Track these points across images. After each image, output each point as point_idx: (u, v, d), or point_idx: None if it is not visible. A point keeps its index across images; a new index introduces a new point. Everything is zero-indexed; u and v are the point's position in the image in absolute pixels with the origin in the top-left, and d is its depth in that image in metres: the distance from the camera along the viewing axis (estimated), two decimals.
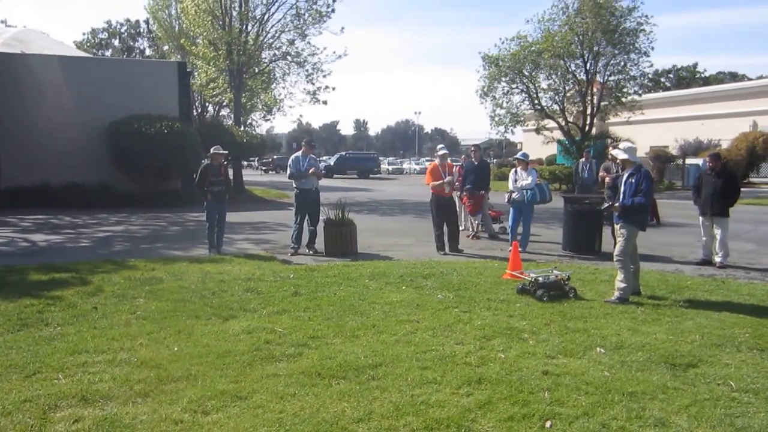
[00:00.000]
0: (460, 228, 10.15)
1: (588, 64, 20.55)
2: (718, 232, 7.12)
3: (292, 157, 8.34)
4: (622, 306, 5.06)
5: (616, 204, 5.41)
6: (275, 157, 40.13)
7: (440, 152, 8.27)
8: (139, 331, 4.28)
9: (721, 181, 7.09)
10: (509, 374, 3.47)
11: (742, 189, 7.71)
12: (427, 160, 53.40)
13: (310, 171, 7.97)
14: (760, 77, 39.07)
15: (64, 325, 4.41)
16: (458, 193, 9.61)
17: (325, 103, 21.38)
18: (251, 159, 35.89)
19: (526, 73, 21.19)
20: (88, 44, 37.77)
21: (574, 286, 5.46)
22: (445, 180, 7.90)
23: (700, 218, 7.40)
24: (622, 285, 5.23)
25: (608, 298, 5.25)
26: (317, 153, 11.67)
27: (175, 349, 3.90)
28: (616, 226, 5.54)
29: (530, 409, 3.00)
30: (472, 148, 10.29)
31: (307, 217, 8.05)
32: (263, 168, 41.80)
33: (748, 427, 2.85)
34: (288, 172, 8.28)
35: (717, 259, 7.14)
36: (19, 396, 3.12)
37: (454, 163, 10.76)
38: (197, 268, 6.58)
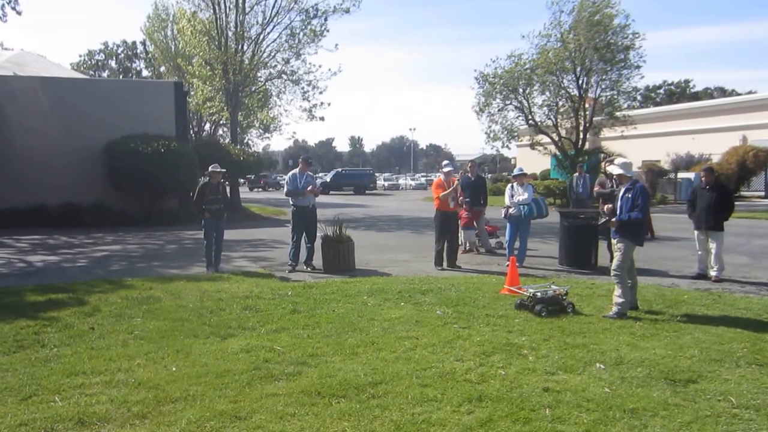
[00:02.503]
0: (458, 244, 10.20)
1: (580, 80, 20.95)
2: (713, 246, 7.18)
3: (289, 174, 8.39)
4: (620, 321, 5.07)
5: (613, 219, 5.46)
6: (262, 174, 39.72)
7: (445, 169, 8.37)
8: (136, 351, 4.24)
9: (716, 195, 7.18)
10: (510, 391, 3.46)
11: (735, 203, 7.81)
12: (423, 176, 53.79)
13: (308, 189, 8.01)
14: (750, 92, 39.89)
15: (60, 346, 4.37)
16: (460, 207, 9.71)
17: (322, 119, 21.64)
18: (248, 176, 35.84)
19: (520, 90, 21.56)
20: (85, 66, 38.10)
21: (572, 301, 5.48)
22: (449, 189, 7.98)
23: (695, 232, 7.47)
24: (620, 300, 5.25)
25: (606, 313, 5.27)
26: (313, 170, 11.78)
27: (174, 369, 3.87)
28: (613, 241, 5.59)
29: (532, 427, 2.98)
30: (469, 164, 10.41)
31: (304, 234, 8.06)
32: (249, 186, 41.38)
33: None
34: (285, 189, 8.33)
35: (712, 273, 7.19)
36: (14, 420, 3.08)
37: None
38: (195, 287, 6.55)
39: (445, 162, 8.90)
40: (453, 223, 8.32)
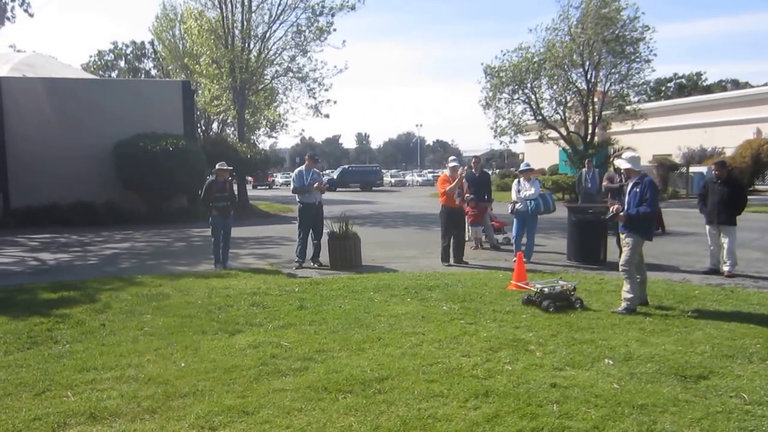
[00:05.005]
0: (465, 240, 10.17)
1: (589, 74, 20.70)
2: (725, 240, 7.06)
3: (296, 171, 8.42)
4: (629, 316, 5.02)
5: (621, 213, 5.40)
6: (267, 172, 39.74)
7: (451, 164, 8.34)
8: (146, 347, 4.30)
9: (728, 189, 7.05)
10: (517, 387, 3.45)
11: (748, 197, 7.68)
12: (430, 172, 53.64)
13: (314, 186, 8.03)
14: (765, 84, 39.06)
15: (73, 342, 4.44)
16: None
17: (327, 116, 21.61)
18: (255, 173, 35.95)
19: (528, 84, 21.36)
20: (95, 66, 38.47)
21: (580, 297, 5.43)
22: (454, 183, 7.95)
23: (707, 227, 7.36)
24: (629, 295, 5.19)
25: (615, 309, 5.22)
26: (320, 167, 11.72)
27: (182, 364, 3.91)
28: (622, 236, 5.53)
29: (539, 423, 2.97)
30: (473, 160, 10.35)
31: (311, 230, 8.09)
32: (253, 183, 41.55)
33: None
34: (292, 186, 8.37)
35: (725, 268, 7.07)
36: (28, 414, 3.14)
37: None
38: (203, 284, 6.62)
39: (452, 157, 8.87)
40: (459, 219, 8.27)
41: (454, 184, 7.94)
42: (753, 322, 4.79)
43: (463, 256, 8.15)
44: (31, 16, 14.74)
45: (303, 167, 8.25)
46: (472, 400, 3.25)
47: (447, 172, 8.33)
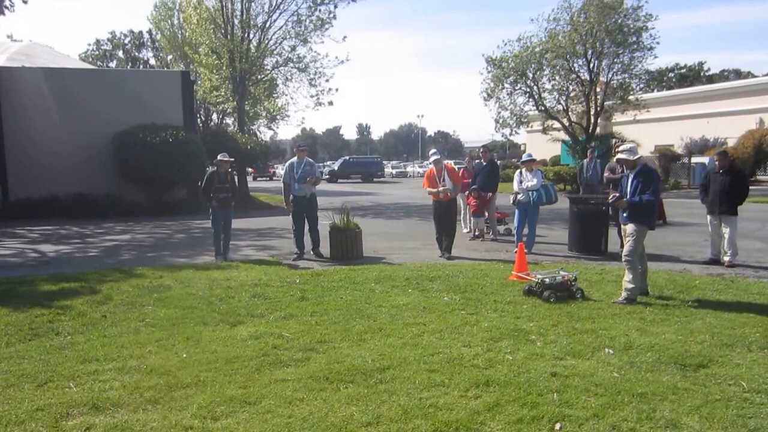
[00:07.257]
0: (465, 230, 10.15)
1: (591, 64, 20.52)
2: (726, 230, 7.05)
3: (287, 163, 8.33)
4: (630, 306, 5.03)
5: (624, 200, 5.36)
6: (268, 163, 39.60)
7: (432, 158, 8.11)
8: (148, 338, 4.31)
9: (730, 179, 7.03)
10: (517, 376, 3.46)
11: (749, 187, 7.65)
12: (430, 164, 53.41)
13: (308, 180, 7.94)
14: (767, 74, 38.71)
15: (74, 334, 4.46)
16: (463, 194, 9.65)
17: (330, 104, 21.37)
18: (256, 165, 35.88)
19: (530, 75, 21.19)
20: (93, 56, 38.19)
21: (581, 287, 5.44)
22: (439, 189, 7.84)
23: (708, 217, 7.35)
24: (630, 285, 5.20)
25: (616, 299, 5.23)
26: (320, 158, 11.44)
27: (184, 355, 3.93)
28: (625, 227, 5.51)
29: (539, 411, 2.98)
30: (482, 149, 10.27)
31: (306, 222, 8.06)
32: (253, 175, 41.42)
33: (760, 428, 2.82)
34: (282, 180, 8.31)
35: (726, 258, 7.07)
36: (31, 405, 3.15)
37: (457, 165, 10.75)
38: (204, 275, 6.63)
39: (433, 151, 8.48)
40: (447, 212, 7.98)
41: (437, 189, 7.79)
42: (753, 312, 4.80)
43: (451, 248, 7.96)
44: (25, 2, 14.65)
45: (295, 159, 8.13)
46: (473, 390, 3.27)
47: (432, 166, 8.07)
